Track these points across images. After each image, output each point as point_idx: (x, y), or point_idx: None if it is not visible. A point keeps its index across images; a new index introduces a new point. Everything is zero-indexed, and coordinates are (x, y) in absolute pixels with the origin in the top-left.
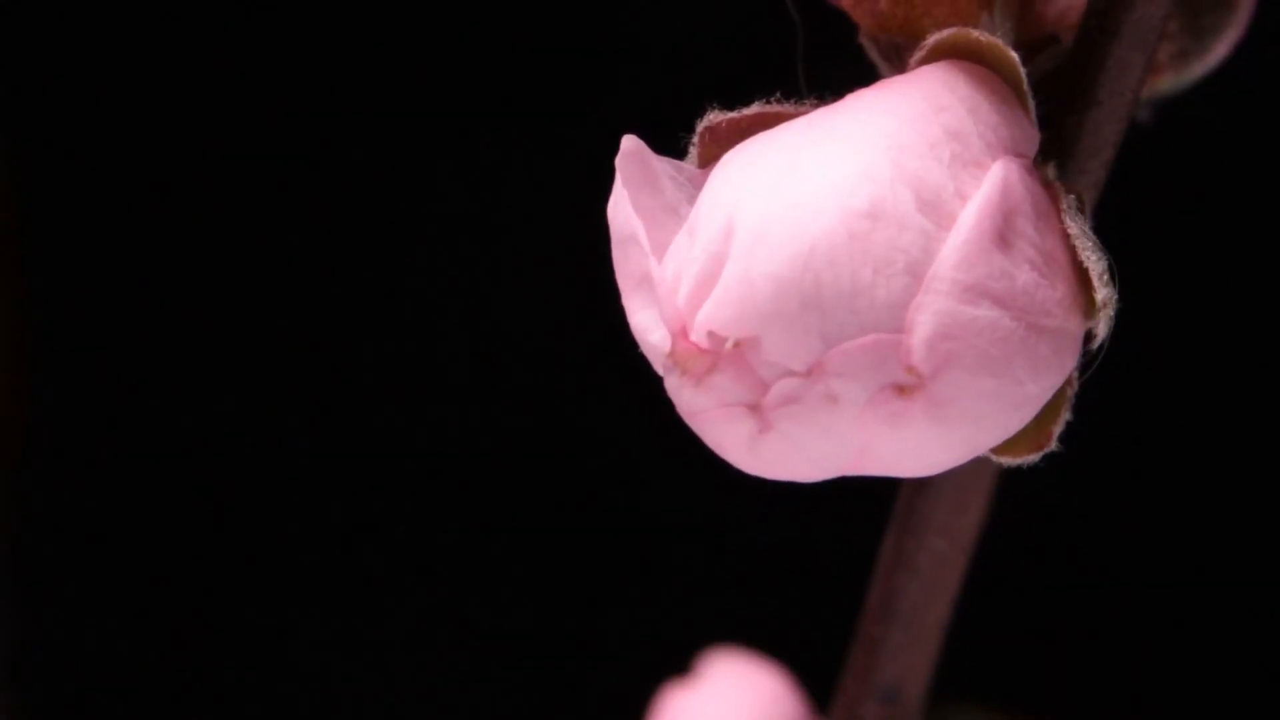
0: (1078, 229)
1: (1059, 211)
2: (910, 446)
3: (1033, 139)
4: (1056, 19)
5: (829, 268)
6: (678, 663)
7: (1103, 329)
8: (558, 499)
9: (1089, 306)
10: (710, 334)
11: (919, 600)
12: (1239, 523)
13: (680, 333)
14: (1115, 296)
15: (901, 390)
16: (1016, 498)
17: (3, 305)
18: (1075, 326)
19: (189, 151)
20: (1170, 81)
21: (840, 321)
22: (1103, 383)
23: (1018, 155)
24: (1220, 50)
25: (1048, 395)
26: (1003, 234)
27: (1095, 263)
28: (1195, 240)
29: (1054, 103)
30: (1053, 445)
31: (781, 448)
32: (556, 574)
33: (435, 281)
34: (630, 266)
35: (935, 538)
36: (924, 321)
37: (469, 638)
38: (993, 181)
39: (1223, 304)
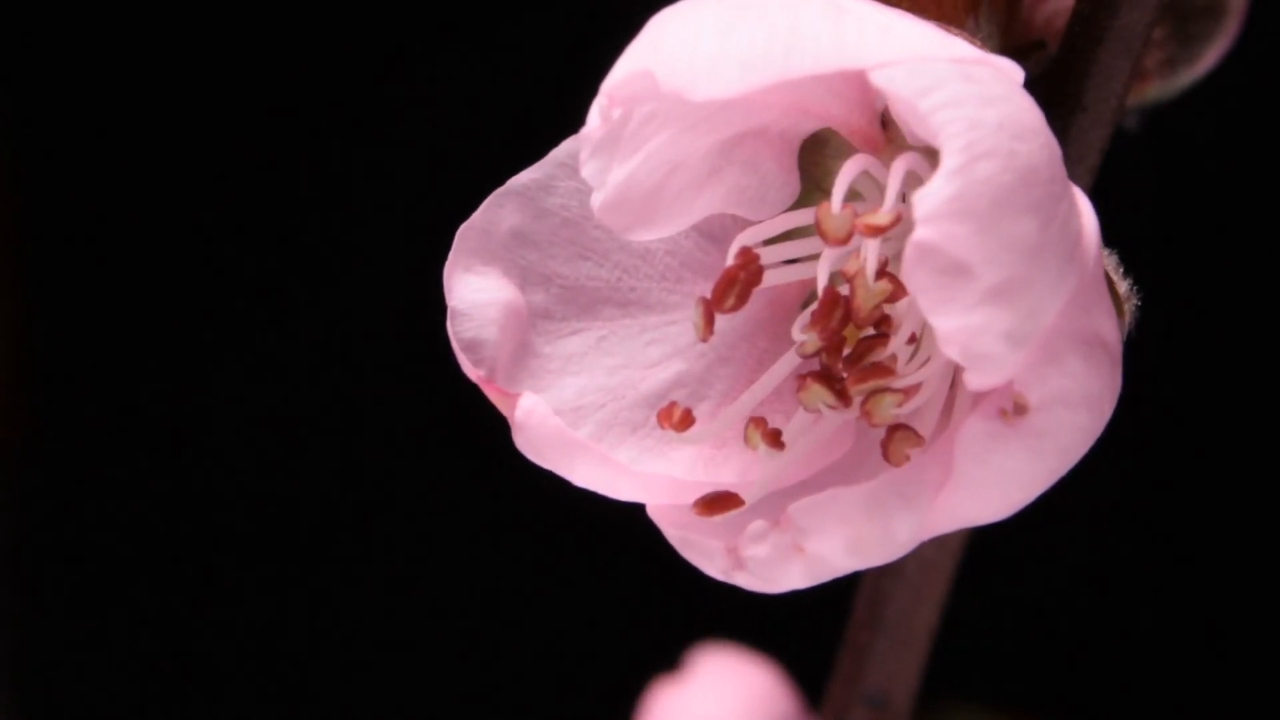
0: None
1: None
2: (1000, 475)
3: None
4: (1044, 24)
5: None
6: (667, 659)
7: (1127, 323)
8: (552, 497)
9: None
10: None
11: (906, 606)
12: (1234, 522)
13: (482, 381)
14: (1134, 289)
15: (1003, 413)
16: None
17: (3, 305)
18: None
19: (188, 152)
20: (1158, 89)
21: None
22: None
23: None
24: (1209, 58)
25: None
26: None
27: (1107, 258)
28: (1189, 244)
29: (1040, 107)
30: None
31: (753, 582)
32: (549, 572)
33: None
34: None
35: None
36: (1041, 356)
37: (462, 634)
38: (1090, 217)
39: (1220, 307)
